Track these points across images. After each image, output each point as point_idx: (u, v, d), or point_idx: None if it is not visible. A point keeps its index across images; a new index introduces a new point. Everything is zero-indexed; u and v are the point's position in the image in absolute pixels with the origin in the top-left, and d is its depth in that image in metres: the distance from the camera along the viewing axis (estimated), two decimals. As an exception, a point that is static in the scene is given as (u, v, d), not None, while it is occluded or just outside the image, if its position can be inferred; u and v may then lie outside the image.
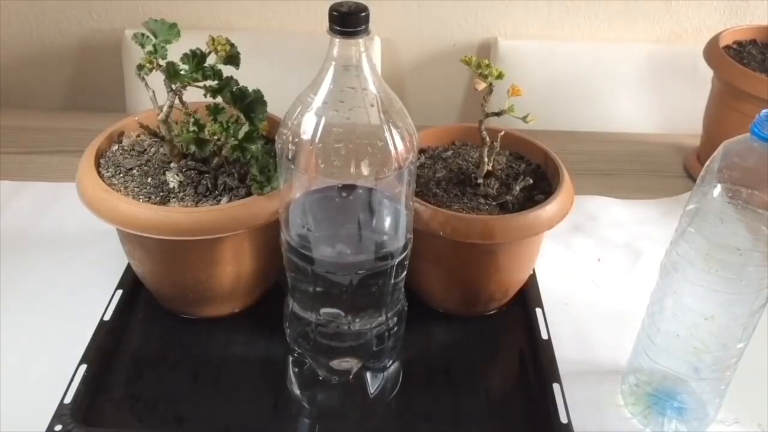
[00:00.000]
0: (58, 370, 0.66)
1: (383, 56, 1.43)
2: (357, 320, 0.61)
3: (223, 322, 0.74)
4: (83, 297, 0.76)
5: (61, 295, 0.78)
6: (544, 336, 0.73)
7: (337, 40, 0.52)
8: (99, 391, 0.67)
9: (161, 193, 0.67)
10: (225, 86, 0.66)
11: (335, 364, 0.64)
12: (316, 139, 0.53)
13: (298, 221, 0.60)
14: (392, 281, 0.61)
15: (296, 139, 0.54)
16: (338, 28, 0.51)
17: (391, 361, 0.67)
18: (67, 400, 0.64)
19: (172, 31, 0.66)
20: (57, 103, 1.51)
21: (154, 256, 0.69)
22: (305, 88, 0.54)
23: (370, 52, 0.53)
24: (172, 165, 0.70)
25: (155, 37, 0.65)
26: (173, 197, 0.67)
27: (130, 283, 0.76)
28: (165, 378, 0.69)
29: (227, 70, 0.66)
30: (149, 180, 0.69)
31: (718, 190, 0.56)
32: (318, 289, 0.60)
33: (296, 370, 0.67)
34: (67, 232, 0.86)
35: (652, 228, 0.93)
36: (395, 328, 0.64)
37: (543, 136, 0.80)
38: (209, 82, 0.65)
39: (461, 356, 0.73)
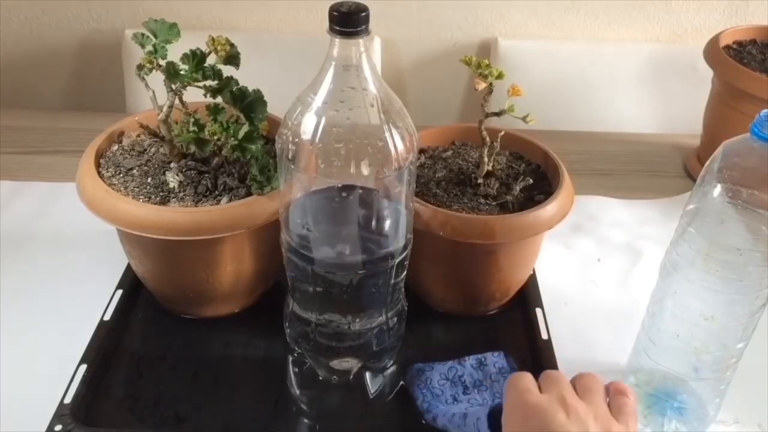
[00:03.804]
0: (58, 370, 0.66)
1: (383, 56, 1.43)
2: (357, 320, 0.61)
3: (223, 322, 0.74)
4: (83, 297, 0.76)
5: (61, 295, 0.78)
6: (544, 336, 0.73)
7: (337, 40, 0.52)
8: (99, 391, 0.67)
9: (161, 193, 0.67)
10: (225, 86, 0.66)
11: (335, 364, 0.64)
12: (316, 139, 0.53)
13: (298, 221, 0.60)
14: (392, 281, 0.61)
15: (296, 139, 0.54)
16: (338, 28, 0.51)
17: (391, 361, 0.67)
18: (67, 400, 0.64)
19: (172, 31, 0.66)
20: (57, 103, 1.51)
21: (154, 256, 0.69)
22: (305, 88, 0.54)
23: (370, 52, 0.53)
24: (172, 165, 0.70)
25: (155, 37, 0.65)
26: (173, 197, 0.67)
27: (130, 283, 0.77)
28: (165, 378, 0.68)
29: (227, 70, 0.66)
30: (149, 180, 0.69)
31: (718, 190, 0.56)
32: (318, 289, 0.60)
33: (296, 370, 0.67)
34: (67, 232, 0.86)
35: (652, 228, 0.93)
36: (395, 328, 0.64)
37: (543, 136, 0.80)
38: (209, 82, 0.65)
39: (461, 356, 0.73)
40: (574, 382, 0.54)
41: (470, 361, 0.68)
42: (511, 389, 0.53)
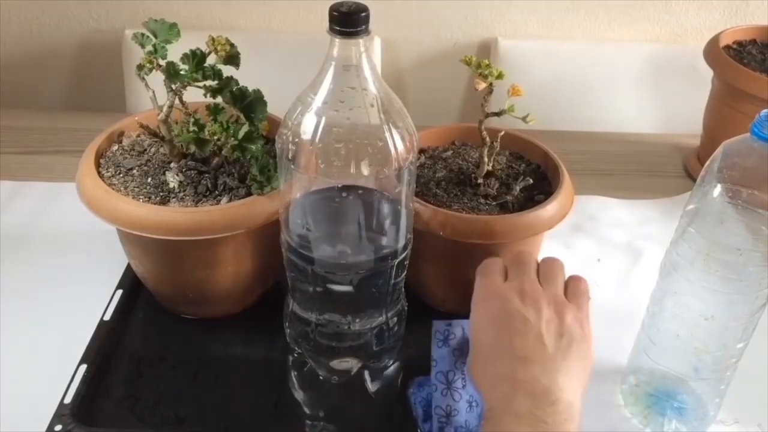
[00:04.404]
0: (58, 370, 0.66)
1: (383, 56, 1.43)
2: (357, 320, 0.61)
3: (223, 322, 0.74)
4: (83, 297, 0.76)
5: (61, 295, 0.78)
6: (544, 336, 0.73)
7: (337, 40, 0.52)
8: (99, 391, 0.67)
9: (161, 193, 0.67)
10: (225, 86, 0.66)
11: (335, 364, 0.64)
12: (316, 139, 0.53)
13: (298, 221, 0.60)
14: (392, 281, 0.61)
15: (296, 139, 0.54)
16: (338, 28, 0.51)
17: (391, 361, 0.67)
18: (67, 400, 0.64)
19: (172, 31, 0.66)
20: (57, 103, 1.51)
21: (154, 256, 0.69)
22: (305, 88, 0.54)
23: (370, 52, 0.53)
24: (172, 165, 0.70)
25: (155, 37, 0.65)
26: (173, 197, 0.67)
27: (130, 283, 0.77)
28: (165, 378, 0.69)
29: (227, 70, 0.66)
30: (149, 180, 0.69)
31: (718, 190, 0.56)
32: (318, 289, 0.60)
33: (296, 370, 0.67)
34: (67, 232, 0.86)
35: (652, 228, 0.93)
36: (395, 328, 0.64)
37: (543, 136, 0.80)
38: (209, 82, 0.65)
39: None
40: (538, 267, 0.62)
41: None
42: (480, 276, 0.61)
